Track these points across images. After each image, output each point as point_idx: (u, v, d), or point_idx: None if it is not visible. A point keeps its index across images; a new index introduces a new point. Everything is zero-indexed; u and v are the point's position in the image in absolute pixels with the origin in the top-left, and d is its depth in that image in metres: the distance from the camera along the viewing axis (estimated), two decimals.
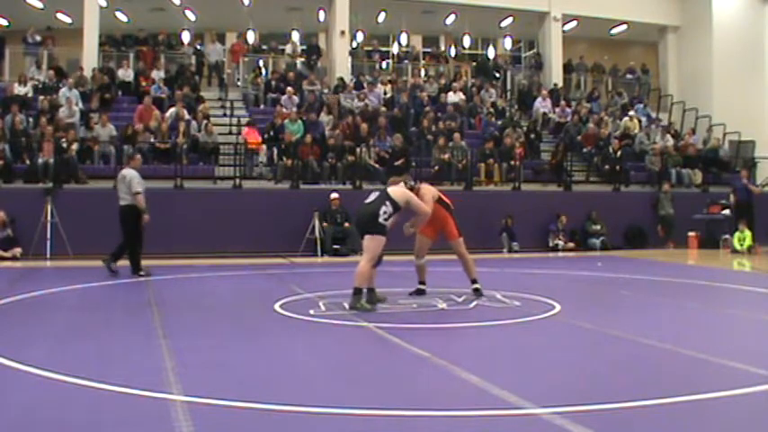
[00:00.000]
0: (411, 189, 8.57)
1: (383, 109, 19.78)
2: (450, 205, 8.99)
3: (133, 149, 16.42)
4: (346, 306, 8.05)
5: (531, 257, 16.08)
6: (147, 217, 11.56)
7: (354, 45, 23.68)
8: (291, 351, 6.16)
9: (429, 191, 8.79)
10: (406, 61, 24.43)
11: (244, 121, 19.22)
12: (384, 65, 24.14)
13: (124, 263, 11.74)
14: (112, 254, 11.66)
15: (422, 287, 9.08)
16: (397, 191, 8.29)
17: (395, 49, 25.92)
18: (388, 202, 8.07)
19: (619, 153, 19.74)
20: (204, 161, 17.10)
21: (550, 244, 17.51)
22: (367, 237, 8.06)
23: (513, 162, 18.42)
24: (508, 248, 17.05)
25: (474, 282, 8.95)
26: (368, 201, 8.27)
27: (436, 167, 17.74)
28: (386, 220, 8.02)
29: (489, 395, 4.60)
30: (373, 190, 8.65)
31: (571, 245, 17.44)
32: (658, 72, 25.42)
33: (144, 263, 11.80)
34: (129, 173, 11.73)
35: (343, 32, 21.77)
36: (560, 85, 23.33)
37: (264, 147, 17.39)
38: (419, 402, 4.48)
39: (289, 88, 19.58)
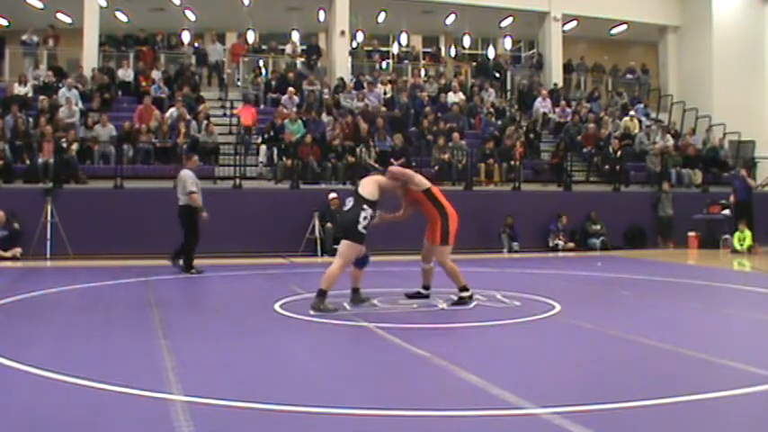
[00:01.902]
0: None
1: (383, 109, 19.78)
2: (444, 208, 8.36)
3: (134, 149, 16.49)
4: (347, 306, 8.09)
5: (531, 257, 16.08)
6: (205, 214, 12.04)
7: (354, 45, 23.68)
8: (291, 351, 6.16)
9: (412, 174, 8.44)
10: (406, 61, 24.43)
11: None
12: (384, 65, 24.15)
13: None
14: (175, 252, 12.19)
15: (424, 291, 8.72)
16: (365, 186, 8.08)
17: (395, 49, 25.93)
18: (365, 206, 7.90)
19: (619, 153, 19.74)
20: (204, 161, 17.07)
21: (550, 244, 17.50)
22: (343, 242, 7.95)
23: (513, 162, 18.42)
24: (508, 248, 17.05)
25: (462, 289, 8.35)
26: (346, 207, 8.18)
27: (436, 167, 17.74)
28: (365, 228, 7.85)
29: (489, 395, 4.60)
30: (350, 195, 8.47)
31: (571, 245, 17.44)
32: (658, 72, 25.44)
33: (146, 262, 11.84)
34: (184, 173, 12.23)
35: (343, 32, 21.78)
36: (560, 85, 23.33)
37: (264, 147, 17.40)
38: (419, 402, 4.48)
39: (290, 88, 19.58)
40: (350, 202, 8.17)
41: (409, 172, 8.51)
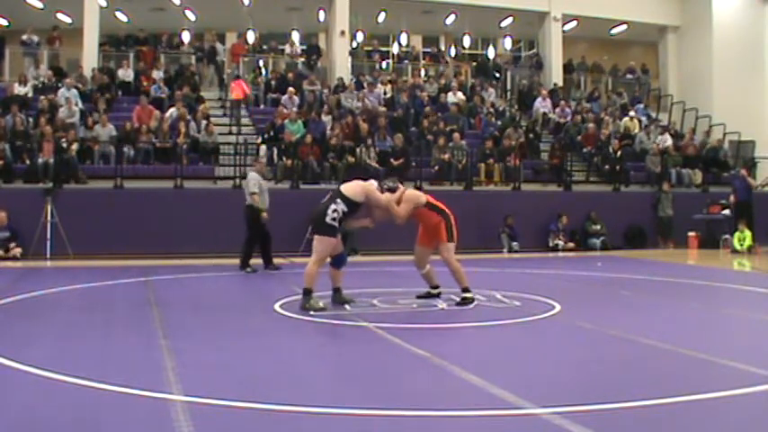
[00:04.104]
0: (391, 191, 8.20)
1: (383, 109, 19.79)
2: (444, 210, 8.47)
3: (134, 150, 16.49)
4: (347, 307, 8.09)
5: (531, 257, 16.07)
6: (265, 215, 12.35)
7: (354, 45, 23.68)
8: (291, 351, 6.16)
9: (413, 196, 8.39)
10: (406, 61, 24.43)
11: (244, 120, 19.28)
12: (384, 65, 24.14)
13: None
14: (241, 260, 12.48)
15: (433, 291, 8.71)
16: (350, 186, 8.00)
17: (395, 49, 25.93)
18: (339, 200, 7.81)
19: (619, 153, 19.74)
20: (204, 161, 17.10)
21: (550, 244, 17.49)
22: (315, 237, 7.97)
23: (512, 163, 18.39)
24: (508, 248, 17.04)
25: (465, 290, 8.38)
26: (323, 201, 8.15)
27: (436, 167, 17.74)
28: (334, 220, 7.75)
29: (489, 395, 4.61)
30: (330, 190, 8.41)
31: (571, 245, 17.43)
32: (658, 72, 25.43)
33: (146, 262, 11.84)
34: (249, 175, 12.84)
35: (343, 32, 21.77)
36: (560, 85, 23.33)
37: (264, 147, 17.40)
38: (419, 402, 4.48)
39: (290, 88, 19.59)
40: (326, 197, 8.16)
41: (414, 201, 8.31)
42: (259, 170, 12.88)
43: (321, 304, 7.85)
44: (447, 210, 8.54)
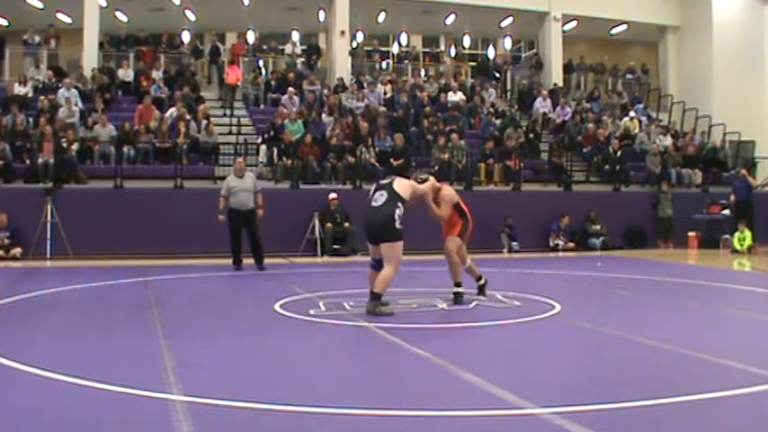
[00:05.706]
0: (423, 182, 8.31)
1: (383, 109, 19.79)
2: (466, 214, 8.70)
3: (135, 150, 16.49)
4: (347, 307, 8.08)
5: (531, 257, 16.07)
6: (221, 218, 12.60)
7: (354, 45, 23.69)
8: (291, 351, 6.16)
9: (449, 197, 8.56)
10: (406, 61, 24.44)
11: (244, 120, 19.28)
12: (384, 65, 24.15)
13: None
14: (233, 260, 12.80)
15: (480, 282, 8.95)
16: (404, 186, 8.04)
17: (395, 49, 25.94)
18: (399, 204, 7.78)
19: (619, 153, 19.74)
20: (204, 161, 17.10)
21: (551, 244, 17.49)
22: (385, 245, 7.74)
23: (512, 163, 18.38)
24: (508, 248, 17.05)
25: (457, 285, 8.51)
26: (376, 204, 7.87)
27: (436, 167, 17.72)
28: (401, 224, 7.75)
29: (489, 395, 4.60)
30: (375, 189, 8.29)
31: (571, 245, 17.42)
32: (658, 72, 25.44)
33: (146, 262, 11.83)
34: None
35: (343, 32, 21.78)
36: (560, 85, 23.33)
37: (264, 147, 17.40)
38: (419, 402, 4.48)
39: (290, 89, 19.60)
40: (381, 198, 7.90)
41: (451, 203, 8.60)
42: (235, 171, 13.01)
43: (387, 311, 7.64)
44: (470, 216, 8.77)
